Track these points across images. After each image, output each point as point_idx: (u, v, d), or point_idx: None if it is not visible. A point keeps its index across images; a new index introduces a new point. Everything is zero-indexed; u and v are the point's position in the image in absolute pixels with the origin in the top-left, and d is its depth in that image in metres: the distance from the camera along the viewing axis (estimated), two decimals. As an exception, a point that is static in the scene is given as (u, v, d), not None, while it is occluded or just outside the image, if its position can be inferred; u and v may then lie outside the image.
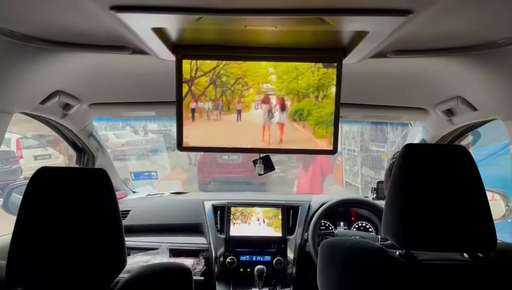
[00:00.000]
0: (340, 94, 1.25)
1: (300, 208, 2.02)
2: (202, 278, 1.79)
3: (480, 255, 0.93)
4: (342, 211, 2.05)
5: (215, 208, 2.03)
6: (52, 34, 1.06)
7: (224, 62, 1.22)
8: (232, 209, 1.97)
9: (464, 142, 1.96)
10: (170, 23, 0.97)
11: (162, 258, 1.78)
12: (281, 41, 1.16)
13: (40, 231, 0.86)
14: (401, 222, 0.91)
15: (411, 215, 0.90)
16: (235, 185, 6.53)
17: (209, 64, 1.23)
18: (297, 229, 1.95)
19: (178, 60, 1.22)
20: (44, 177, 0.90)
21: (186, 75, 1.23)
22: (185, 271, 1.00)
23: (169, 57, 1.21)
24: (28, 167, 6.56)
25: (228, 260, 1.85)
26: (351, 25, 0.96)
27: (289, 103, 1.27)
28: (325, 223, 2.05)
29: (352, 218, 2.07)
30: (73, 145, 2.05)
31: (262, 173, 1.51)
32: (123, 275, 0.92)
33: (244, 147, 1.32)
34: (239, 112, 1.28)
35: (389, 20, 0.88)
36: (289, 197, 2.21)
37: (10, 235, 0.86)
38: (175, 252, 1.86)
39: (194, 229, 2.02)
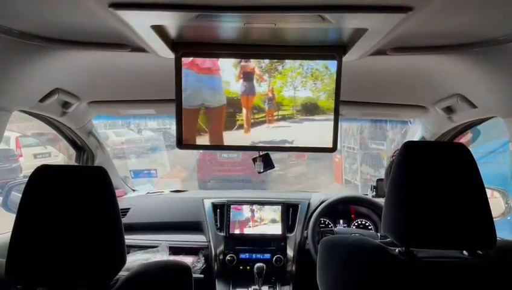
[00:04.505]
0: (340, 92, 1.25)
1: (300, 205, 2.02)
2: (202, 276, 1.79)
3: (480, 252, 0.93)
4: (342, 208, 2.05)
5: (215, 206, 2.03)
6: (51, 32, 1.06)
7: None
8: (232, 207, 1.97)
9: (463, 140, 1.96)
10: (169, 20, 0.97)
11: (161, 256, 1.78)
12: (280, 39, 1.16)
13: (39, 229, 0.85)
14: (401, 220, 0.91)
15: (411, 213, 0.90)
16: (235, 183, 6.54)
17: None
18: (297, 227, 1.95)
19: (177, 58, 1.21)
20: (43, 175, 0.89)
21: None
22: (185, 269, 1.00)
23: (168, 54, 1.21)
24: (28, 165, 6.54)
25: (228, 257, 1.86)
26: (350, 22, 0.95)
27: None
28: (325, 221, 2.05)
29: (352, 216, 2.07)
30: (73, 143, 2.05)
31: (261, 171, 1.51)
32: (123, 273, 0.92)
33: (244, 145, 1.32)
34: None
35: (389, 17, 0.87)
36: (289, 195, 2.21)
37: (10, 234, 0.86)
38: (175, 250, 1.86)
39: (194, 227, 2.02)
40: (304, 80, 1.26)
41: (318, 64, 1.24)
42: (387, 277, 0.91)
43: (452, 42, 1.10)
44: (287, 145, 1.33)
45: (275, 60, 1.24)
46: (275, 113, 1.30)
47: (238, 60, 1.24)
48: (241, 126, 1.31)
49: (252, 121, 1.31)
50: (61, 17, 0.94)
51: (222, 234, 1.93)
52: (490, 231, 0.88)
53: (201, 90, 1.27)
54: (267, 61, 1.24)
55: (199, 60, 1.24)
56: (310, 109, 1.29)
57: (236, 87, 1.27)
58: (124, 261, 0.91)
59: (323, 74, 1.24)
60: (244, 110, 1.29)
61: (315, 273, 1.04)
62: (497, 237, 0.89)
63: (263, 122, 1.31)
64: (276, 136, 1.32)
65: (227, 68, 1.25)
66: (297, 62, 1.24)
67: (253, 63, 1.25)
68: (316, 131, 1.30)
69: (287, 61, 1.24)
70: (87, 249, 0.86)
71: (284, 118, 1.30)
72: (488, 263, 0.91)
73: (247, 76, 1.26)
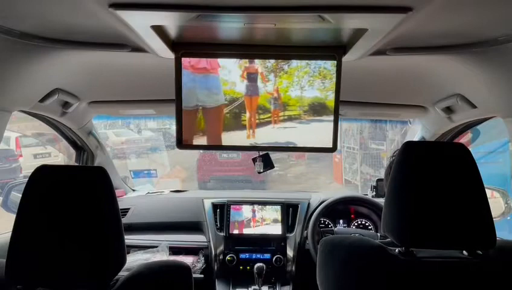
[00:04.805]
0: (339, 92, 1.24)
1: (299, 205, 2.02)
2: (202, 276, 1.79)
3: (480, 252, 0.93)
4: (342, 208, 2.05)
5: (215, 206, 2.03)
6: (51, 32, 1.06)
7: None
8: (232, 207, 1.97)
9: (463, 140, 1.96)
10: (169, 20, 0.97)
11: (161, 256, 1.78)
12: (280, 39, 1.16)
13: (39, 229, 0.85)
14: (401, 220, 0.91)
15: (411, 213, 0.90)
16: (235, 183, 6.55)
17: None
18: (297, 227, 1.95)
19: (177, 58, 1.21)
20: (43, 175, 0.89)
21: None
22: (185, 269, 1.00)
23: (168, 54, 1.21)
24: (28, 165, 6.54)
25: (228, 257, 1.86)
26: (350, 22, 0.95)
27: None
28: (325, 221, 2.05)
29: (352, 216, 2.07)
30: (73, 143, 2.05)
31: (261, 171, 1.51)
32: (123, 273, 0.92)
33: (244, 145, 1.32)
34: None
35: (389, 18, 0.87)
36: (288, 195, 2.22)
37: (10, 234, 0.86)
38: (175, 250, 1.87)
39: (194, 227, 2.02)
40: (311, 79, 1.24)
41: (327, 63, 1.22)
42: (387, 276, 0.90)
43: (452, 42, 1.10)
44: (288, 145, 1.32)
45: (280, 60, 1.23)
46: (281, 114, 1.29)
47: (241, 60, 1.23)
48: (244, 126, 1.30)
49: (257, 121, 1.30)
50: (61, 17, 0.94)
51: (222, 234, 1.93)
52: (490, 231, 0.88)
53: (197, 90, 1.26)
54: (272, 60, 1.23)
55: (194, 60, 1.23)
56: (318, 109, 1.27)
57: (239, 87, 1.26)
58: (124, 261, 0.91)
59: (332, 73, 1.23)
60: (247, 111, 1.29)
61: (315, 273, 1.04)
62: (497, 237, 0.89)
63: (268, 122, 1.30)
64: (280, 137, 1.31)
65: (230, 68, 1.24)
66: (304, 61, 1.23)
67: (257, 63, 1.23)
68: (319, 131, 1.29)
69: (293, 60, 1.23)
70: (87, 249, 0.86)
71: (290, 118, 1.29)
72: (488, 263, 0.91)
73: (251, 76, 1.25)
